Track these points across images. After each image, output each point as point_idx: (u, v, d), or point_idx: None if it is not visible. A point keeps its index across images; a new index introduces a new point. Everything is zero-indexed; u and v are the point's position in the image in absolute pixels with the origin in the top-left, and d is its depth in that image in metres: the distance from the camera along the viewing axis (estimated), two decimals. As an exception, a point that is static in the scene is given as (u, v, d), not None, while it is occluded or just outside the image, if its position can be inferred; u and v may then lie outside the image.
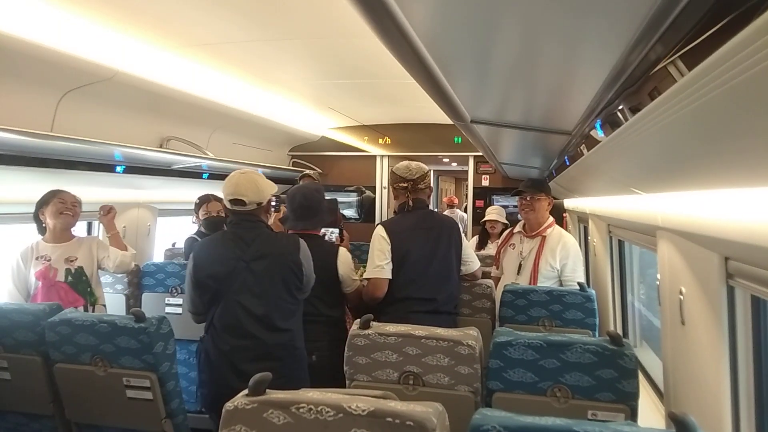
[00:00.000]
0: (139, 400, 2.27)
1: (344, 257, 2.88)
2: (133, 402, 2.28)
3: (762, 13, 0.64)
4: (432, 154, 6.68)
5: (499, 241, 3.95)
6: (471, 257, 3.08)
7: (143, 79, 3.08)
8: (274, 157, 6.09)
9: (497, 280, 3.61)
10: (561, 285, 3.26)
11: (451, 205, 9.85)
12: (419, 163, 2.98)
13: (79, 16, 2.45)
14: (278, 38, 2.85)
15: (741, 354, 1.56)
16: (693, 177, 1.37)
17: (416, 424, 1.22)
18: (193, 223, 3.99)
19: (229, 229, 2.55)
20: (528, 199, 3.41)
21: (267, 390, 1.37)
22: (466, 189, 7.26)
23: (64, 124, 2.95)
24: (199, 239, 3.88)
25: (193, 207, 4.03)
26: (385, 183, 6.56)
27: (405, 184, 2.89)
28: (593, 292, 2.96)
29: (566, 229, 4.26)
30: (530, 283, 3.24)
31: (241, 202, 2.45)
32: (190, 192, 4.16)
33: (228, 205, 2.50)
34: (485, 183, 6.50)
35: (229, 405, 1.35)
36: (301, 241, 2.58)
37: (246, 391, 1.37)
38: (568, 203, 5.17)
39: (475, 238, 5.40)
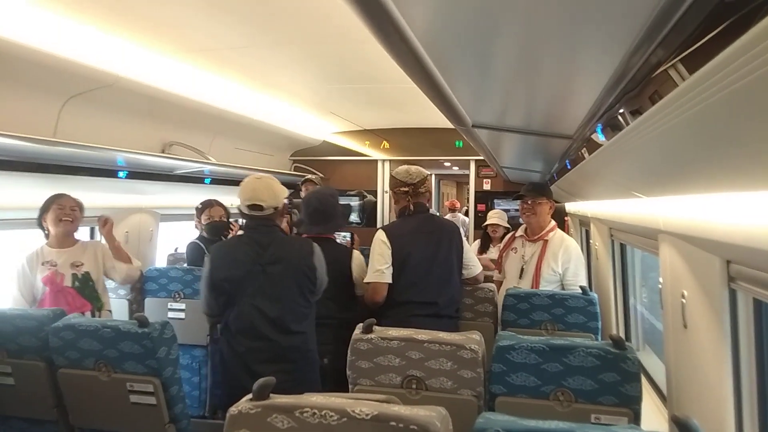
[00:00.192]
0: (143, 405, 2.28)
1: (358, 260, 2.96)
2: (136, 407, 2.28)
3: (762, 18, 0.64)
4: (433, 158, 6.69)
5: (501, 245, 3.95)
6: (472, 261, 3.09)
7: (145, 85, 3.10)
8: (276, 161, 6.10)
9: (499, 284, 3.61)
10: (563, 289, 3.26)
11: (452, 209, 9.86)
12: (418, 167, 3.00)
13: (81, 23, 2.46)
14: (280, 43, 2.86)
15: (743, 357, 1.56)
16: (695, 180, 1.38)
17: (420, 429, 1.22)
18: (195, 228, 3.99)
19: (245, 233, 2.60)
20: (529, 202, 3.41)
21: (271, 394, 1.37)
22: (468, 193, 7.26)
23: (67, 129, 2.97)
24: (201, 244, 3.89)
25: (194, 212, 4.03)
26: (387, 187, 6.57)
27: (406, 189, 2.91)
28: (595, 295, 2.96)
29: (568, 233, 4.26)
30: (532, 287, 3.24)
31: (259, 207, 2.50)
32: (192, 197, 4.17)
33: (245, 211, 2.54)
34: (487, 187, 6.51)
35: (233, 409, 1.36)
36: (315, 245, 2.62)
37: (250, 396, 1.38)
38: (570, 207, 5.17)
39: (477, 242, 5.40)
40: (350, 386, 2.17)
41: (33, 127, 2.72)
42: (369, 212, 6.59)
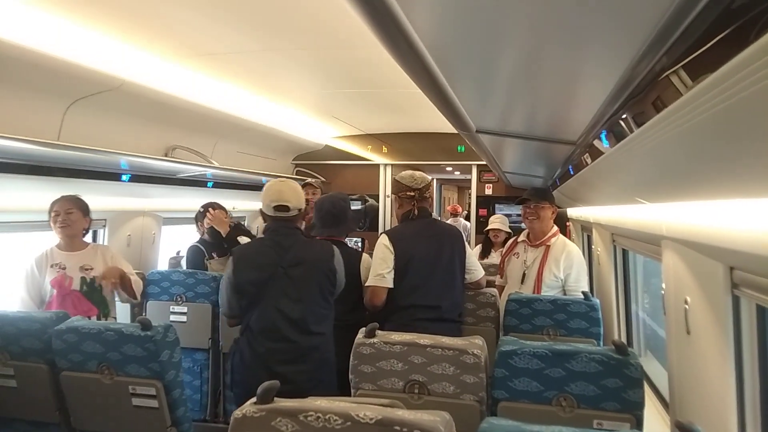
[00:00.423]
0: (145, 408, 2.28)
1: (367, 262, 2.99)
2: (138, 410, 2.28)
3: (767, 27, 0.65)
4: (436, 163, 6.70)
5: (503, 249, 3.95)
6: (475, 265, 3.10)
7: (149, 89, 3.11)
8: (278, 165, 6.11)
9: (501, 289, 3.61)
10: (565, 294, 3.26)
11: (454, 214, 9.86)
12: (422, 172, 3.03)
13: (86, 27, 2.47)
14: (283, 48, 2.87)
15: (746, 364, 1.56)
16: (699, 187, 1.38)
17: (424, 433, 1.23)
18: (199, 231, 3.98)
19: (267, 235, 2.65)
20: (532, 207, 3.42)
21: (275, 398, 1.38)
22: (469, 197, 7.28)
23: (71, 132, 2.97)
24: (201, 247, 3.90)
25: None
26: (389, 192, 6.57)
27: (412, 193, 2.94)
28: (597, 301, 2.96)
29: (570, 238, 4.27)
30: (534, 293, 3.25)
31: (286, 208, 2.58)
32: (194, 200, 4.18)
33: (270, 213, 2.60)
34: (488, 192, 6.52)
35: (237, 413, 1.36)
36: (335, 247, 2.70)
37: (254, 399, 1.38)
38: (572, 212, 5.17)
39: (478, 247, 5.40)
40: (352, 390, 2.18)
41: (37, 130, 2.73)
42: (371, 217, 6.59)
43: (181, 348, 2.43)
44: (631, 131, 1.41)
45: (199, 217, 3.97)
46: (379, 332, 2.16)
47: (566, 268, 3.28)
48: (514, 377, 1.95)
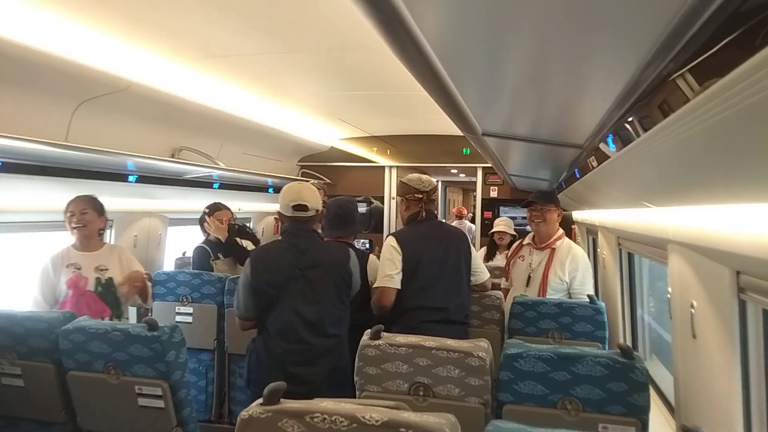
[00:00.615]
0: (151, 409, 2.29)
1: (374, 263, 3.04)
2: (144, 410, 2.29)
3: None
4: (441, 165, 6.71)
5: (508, 252, 3.95)
6: (480, 268, 3.11)
7: (156, 90, 3.13)
8: (284, 167, 6.12)
9: (506, 291, 3.61)
10: (570, 297, 3.26)
11: (459, 216, 9.87)
12: (428, 176, 3.05)
13: (94, 30, 2.49)
14: (290, 51, 2.88)
15: (753, 368, 1.56)
16: (706, 191, 1.38)
17: (429, 435, 1.23)
18: (205, 231, 3.99)
19: (284, 238, 2.68)
20: (538, 210, 3.42)
21: (281, 399, 1.38)
22: (474, 200, 7.28)
23: (79, 133, 2.99)
24: (207, 248, 3.92)
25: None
26: (394, 194, 6.58)
27: (420, 195, 2.96)
28: (603, 304, 2.95)
29: (575, 241, 4.26)
30: (539, 296, 3.24)
31: (304, 207, 2.61)
32: (200, 201, 4.19)
33: (289, 213, 2.63)
34: (493, 194, 6.52)
35: (244, 414, 1.37)
36: (351, 250, 2.74)
37: (260, 401, 1.38)
38: (577, 215, 5.17)
39: (483, 250, 5.40)
40: (357, 392, 2.18)
41: (45, 131, 2.75)
42: (376, 218, 6.60)
43: (187, 348, 2.44)
44: (639, 135, 1.41)
45: (204, 219, 3.98)
46: (384, 334, 2.16)
47: (571, 271, 3.28)
48: (520, 380, 1.95)
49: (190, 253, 4.20)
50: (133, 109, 3.25)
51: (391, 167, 6.67)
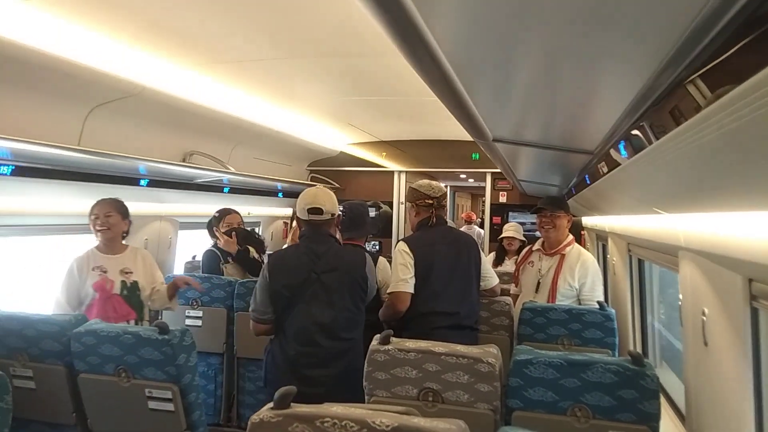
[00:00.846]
0: (161, 412, 2.30)
1: (383, 265, 3.08)
2: (154, 413, 2.30)
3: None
4: (450, 170, 6.70)
5: (518, 257, 3.94)
6: (490, 273, 3.11)
7: (168, 95, 3.15)
8: (293, 171, 6.15)
9: (516, 297, 3.60)
10: (579, 304, 3.24)
11: (468, 221, 9.83)
12: (437, 182, 3.06)
13: (107, 35, 2.51)
14: (300, 56, 2.89)
15: (765, 376, 1.55)
16: (720, 198, 1.37)
17: (440, 441, 1.23)
18: (215, 235, 4.00)
19: (301, 242, 2.71)
20: (548, 216, 3.41)
21: (292, 403, 1.38)
22: (482, 205, 7.27)
23: (91, 138, 3.02)
24: (217, 252, 3.94)
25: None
26: (403, 199, 6.58)
27: (431, 201, 2.97)
28: (613, 311, 2.94)
29: (585, 247, 4.25)
30: (548, 302, 3.23)
31: (320, 211, 2.63)
32: (211, 206, 4.22)
33: (305, 216, 2.65)
34: (503, 199, 6.50)
35: (255, 418, 1.37)
36: (367, 255, 2.77)
37: (271, 404, 1.39)
38: (587, 221, 5.15)
39: (492, 255, 5.39)
40: (366, 397, 2.18)
41: (58, 135, 2.78)
42: (384, 223, 6.60)
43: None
44: (650, 142, 1.41)
45: (214, 222, 4.00)
46: (393, 339, 2.16)
47: (581, 278, 3.27)
48: (529, 387, 1.95)
49: (200, 257, 4.22)
50: (144, 113, 3.28)
51: (400, 172, 6.68)
